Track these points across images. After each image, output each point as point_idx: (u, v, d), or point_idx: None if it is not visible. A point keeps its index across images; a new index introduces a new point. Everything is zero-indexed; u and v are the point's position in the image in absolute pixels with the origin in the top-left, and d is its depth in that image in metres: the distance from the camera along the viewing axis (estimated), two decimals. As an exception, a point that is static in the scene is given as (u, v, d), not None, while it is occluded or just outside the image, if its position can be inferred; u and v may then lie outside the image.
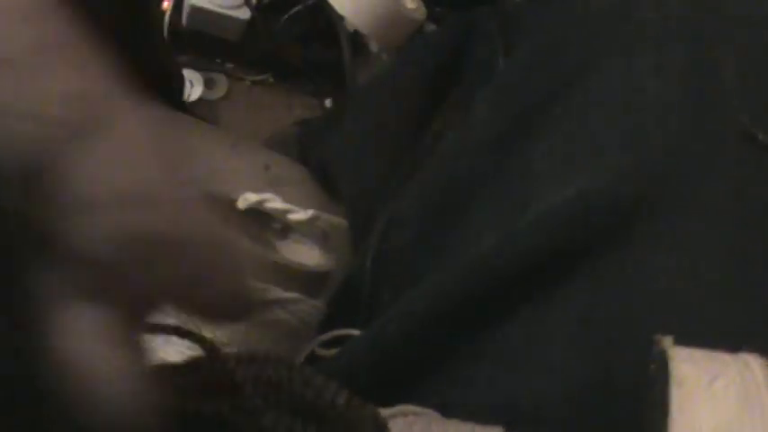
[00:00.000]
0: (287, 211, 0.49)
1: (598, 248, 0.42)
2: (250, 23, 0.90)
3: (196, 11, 0.89)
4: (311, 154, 0.63)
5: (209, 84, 0.95)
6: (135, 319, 0.22)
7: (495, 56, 0.56)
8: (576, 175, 0.44)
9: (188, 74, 0.93)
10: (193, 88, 0.93)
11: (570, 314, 0.42)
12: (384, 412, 0.38)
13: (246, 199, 0.48)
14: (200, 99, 0.94)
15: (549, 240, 0.43)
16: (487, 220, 0.46)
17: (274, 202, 0.47)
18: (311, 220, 0.49)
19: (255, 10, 0.88)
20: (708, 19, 0.47)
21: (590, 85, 0.47)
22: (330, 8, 0.79)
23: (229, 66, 0.96)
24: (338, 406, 0.32)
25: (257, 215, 0.50)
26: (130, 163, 0.21)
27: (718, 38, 0.46)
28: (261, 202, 0.47)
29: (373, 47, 0.84)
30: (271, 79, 0.96)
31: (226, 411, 0.29)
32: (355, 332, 0.47)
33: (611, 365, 0.41)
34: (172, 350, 0.34)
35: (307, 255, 0.50)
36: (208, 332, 0.29)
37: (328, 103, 0.95)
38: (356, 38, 0.84)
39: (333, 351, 0.46)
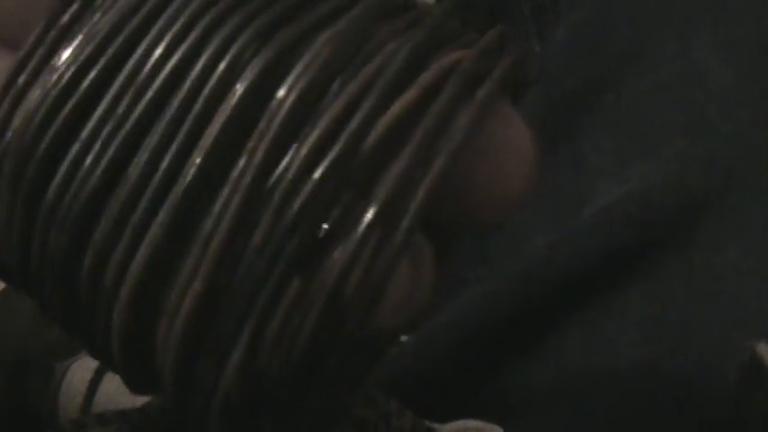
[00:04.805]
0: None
1: (663, 246, 0.39)
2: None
3: None
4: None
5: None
6: None
7: (529, 40, 0.52)
8: (637, 168, 0.41)
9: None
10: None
11: (633, 319, 0.39)
12: (445, 428, 0.35)
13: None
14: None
15: (610, 238, 0.40)
16: (538, 219, 0.43)
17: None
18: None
19: None
20: None
21: (644, 68, 0.44)
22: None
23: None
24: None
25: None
26: None
27: None
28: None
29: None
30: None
31: None
32: (402, 338, 0.43)
33: (680, 373, 0.38)
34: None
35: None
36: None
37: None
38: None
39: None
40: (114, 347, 0.17)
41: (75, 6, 0.17)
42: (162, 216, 0.16)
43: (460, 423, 0.36)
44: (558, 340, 0.40)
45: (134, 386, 0.18)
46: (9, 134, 0.17)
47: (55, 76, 0.17)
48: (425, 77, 0.16)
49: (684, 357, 0.38)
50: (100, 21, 0.17)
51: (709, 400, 0.37)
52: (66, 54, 0.17)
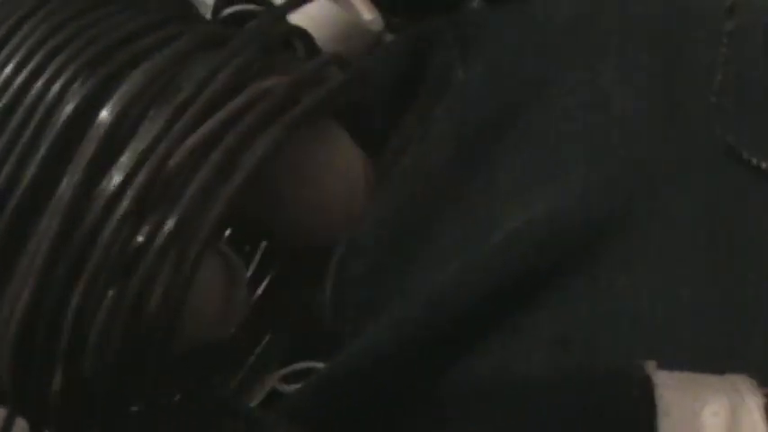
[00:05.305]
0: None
1: (569, 270, 0.41)
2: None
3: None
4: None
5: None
6: None
7: (453, 67, 0.54)
8: (543, 193, 0.42)
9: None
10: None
11: (542, 341, 0.40)
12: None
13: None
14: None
15: (516, 264, 0.41)
16: (452, 245, 0.44)
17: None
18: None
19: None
20: (678, 18, 0.45)
21: (552, 95, 0.45)
22: (284, 22, 0.76)
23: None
24: None
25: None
26: None
27: (689, 39, 0.44)
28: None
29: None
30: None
31: None
32: (318, 365, 0.44)
33: (589, 393, 0.39)
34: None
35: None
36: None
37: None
38: (312, 51, 0.80)
39: (294, 386, 0.44)
40: None
41: None
42: None
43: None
44: (471, 361, 0.41)
45: None
46: None
47: None
48: (235, 102, 0.18)
49: (591, 375, 0.39)
50: None
51: (615, 417, 0.38)
52: None
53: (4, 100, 0.18)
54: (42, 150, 0.17)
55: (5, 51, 0.18)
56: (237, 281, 0.18)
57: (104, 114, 0.17)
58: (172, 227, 0.17)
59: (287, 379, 0.45)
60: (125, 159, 0.17)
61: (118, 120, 0.17)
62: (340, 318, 0.45)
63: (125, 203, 0.17)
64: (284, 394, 0.45)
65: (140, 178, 0.17)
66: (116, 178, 0.17)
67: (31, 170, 0.17)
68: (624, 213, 0.41)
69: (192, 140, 0.17)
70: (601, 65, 0.45)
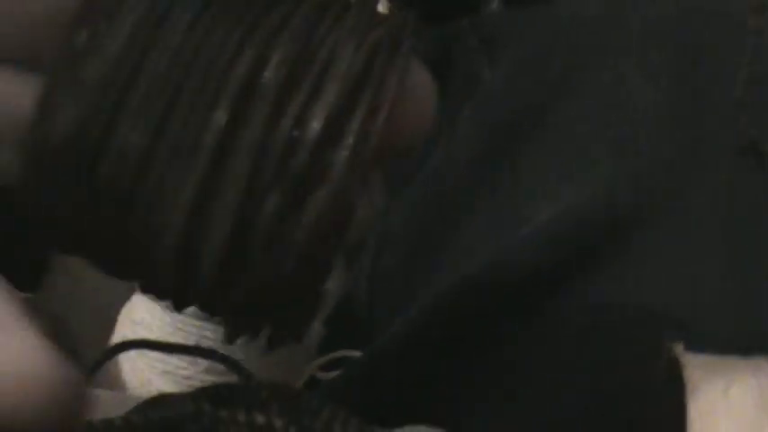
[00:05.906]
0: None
1: (593, 263, 0.42)
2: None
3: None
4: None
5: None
6: None
7: (480, 67, 0.55)
8: (568, 189, 0.44)
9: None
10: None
11: (568, 332, 0.42)
12: (394, 434, 0.37)
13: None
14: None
15: (542, 257, 0.42)
16: (478, 238, 0.45)
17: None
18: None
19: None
20: (694, 17, 0.46)
21: (577, 95, 0.46)
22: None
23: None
24: None
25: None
26: None
27: (708, 37, 0.45)
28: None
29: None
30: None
31: None
32: (355, 353, 0.46)
33: (613, 383, 0.41)
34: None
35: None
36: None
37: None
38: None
39: (333, 373, 0.45)
40: (164, 265, 0.20)
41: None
42: (199, 165, 0.20)
43: (410, 428, 0.38)
44: (499, 350, 0.42)
45: (177, 303, 0.22)
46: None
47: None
48: (365, 48, 0.21)
49: (617, 359, 0.40)
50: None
51: (643, 400, 0.39)
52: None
53: (183, 63, 0.20)
54: (226, 98, 0.20)
55: (218, 34, 0.20)
56: (376, 195, 0.22)
57: (270, 69, 0.20)
58: (345, 159, 0.20)
59: (324, 367, 0.46)
60: (303, 98, 0.20)
61: (289, 71, 0.20)
62: (376, 306, 0.47)
63: (312, 129, 0.20)
64: (322, 382, 0.46)
65: (324, 106, 0.20)
66: (295, 122, 0.20)
67: (220, 113, 0.20)
68: (647, 208, 0.42)
69: (349, 74, 0.20)
70: (623, 64, 0.46)
